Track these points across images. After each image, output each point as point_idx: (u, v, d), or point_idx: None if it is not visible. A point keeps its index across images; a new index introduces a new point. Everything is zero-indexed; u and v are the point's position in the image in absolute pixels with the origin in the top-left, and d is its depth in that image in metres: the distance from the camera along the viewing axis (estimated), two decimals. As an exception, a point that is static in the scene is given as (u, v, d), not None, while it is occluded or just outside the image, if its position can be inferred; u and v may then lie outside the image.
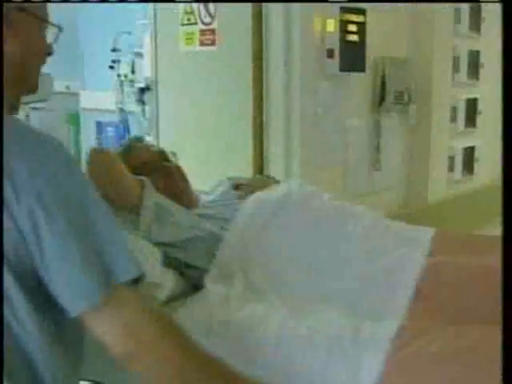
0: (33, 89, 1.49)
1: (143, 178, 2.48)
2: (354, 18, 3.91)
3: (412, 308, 2.05)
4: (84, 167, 2.50)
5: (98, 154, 2.53)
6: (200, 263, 2.33)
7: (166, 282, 2.25)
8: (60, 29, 1.47)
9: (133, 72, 5.97)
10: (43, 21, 1.42)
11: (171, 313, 2.13)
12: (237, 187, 2.80)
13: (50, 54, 1.49)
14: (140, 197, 2.39)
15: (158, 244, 2.32)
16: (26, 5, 1.37)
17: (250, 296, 2.16)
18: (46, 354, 1.24)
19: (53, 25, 1.46)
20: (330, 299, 2.13)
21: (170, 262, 2.31)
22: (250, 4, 3.71)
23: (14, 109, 2.91)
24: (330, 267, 2.28)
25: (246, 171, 3.69)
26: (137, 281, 1.30)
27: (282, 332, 1.97)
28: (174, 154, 2.81)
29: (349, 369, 1.84)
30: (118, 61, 6.05)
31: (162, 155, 2.76)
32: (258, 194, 2.58)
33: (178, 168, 2.76)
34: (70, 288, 1.21)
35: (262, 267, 2.29)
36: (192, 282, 2.33)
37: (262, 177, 2.98)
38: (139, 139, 2.84)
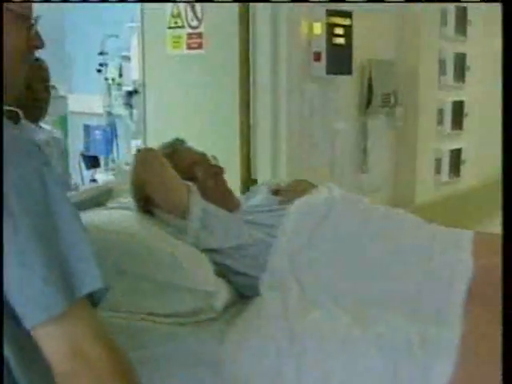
0: (19, 87, 1.46)
1: (189, 183, 2.47)
2: (340, 21, 3.92)
3: (467, 310, 2.03)
4: (131, 167, 2.50)
5: (148, 154, 2.51)
6: (249, 270, 2.32)
7: (221, 289, 2.24)
8: (36, 20, 1.42)
9: (120, 75, 5.98)
10: (15, 13, 1.36)
11: (230, 321, 2.14)
12: (276, 192, 2.78)
13: (37, 47, 1.45)
14: (187, 202, 2.38)
15: (204, 250, 2.31)
16: None
17: (306, 304, 2.14)
18: (17, 360, 1.22)
19: (28, 17, 1.40)
20: (387, 303, 2.12)
21: (219, 270, 2.30)
22: (236, 7, 3.72)
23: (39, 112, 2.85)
24: (384, 270, 2.26)
25: (233, 173, 3.69)
26: (96, 298, 1.26)
27: (349, 339, 1.97)
28: (214, 157, 2.80)
29: (419, 374, 1.85)
30: (106, 64, 6.06)
31: (205, 157, 2.76)
32: (303, 200, 2.55)
33: (223, 170, 2.77)
34: (30, 297, 1.16)
35: (314, 273, 2.26)
36: (238, 290, 2.32)
37: (298, 180, 2.94)
38: (181, 141, 2.82)
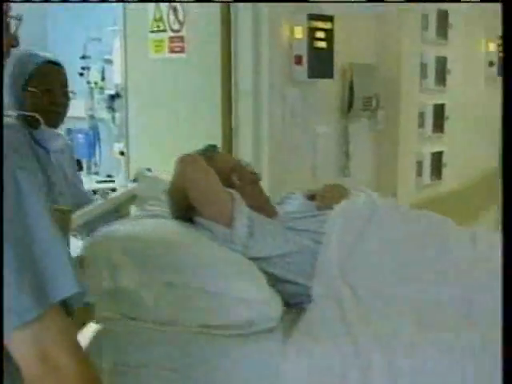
0: None
1: (231, 190, 2.43)
2: (321, 24, 3.94)
3: None
4: (173, 174, 2.45)
5: (190, 161, 2.45)
6: (296, 278, 2.29)
7: (275, 298, 2.19)
8: (19, 18, 1.40)
9: (103, 79, 5.96)
10: None
11: (287, 331, 2.09)
12: (311, 197, 2.75)
13: (13, 46, 1.41)
14: (231, 209, 2.34)
15: (251, 259, 2.27)
16: None
17: (362, 309, 2.12)
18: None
19: (12, 17, 1.38)
20: (439, 306, 2.11)
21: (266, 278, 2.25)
22: (218, 11, 3.73)
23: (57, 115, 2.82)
24: (433, 273, 2.25)
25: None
26: (71, 304, 1.24)
27: (412, 344, 1.97)
28: (248, 164, 2.76)
29: (485, 377, 1.87)
30: (88, 68, 6.04)
31: (242, 164, 2.73)
32: (343, 204, 2.52)
33: (259, 176, 2.74)
34: (4, 305, 1.14)
35: (364, 278, 2.24)
36: (284, 298, 2.26)
37: (332, 185, 2.90)
38: (214, 147, 2.76)
